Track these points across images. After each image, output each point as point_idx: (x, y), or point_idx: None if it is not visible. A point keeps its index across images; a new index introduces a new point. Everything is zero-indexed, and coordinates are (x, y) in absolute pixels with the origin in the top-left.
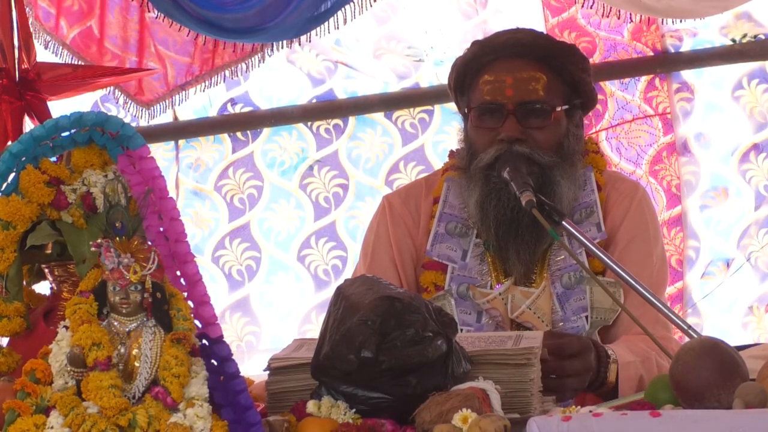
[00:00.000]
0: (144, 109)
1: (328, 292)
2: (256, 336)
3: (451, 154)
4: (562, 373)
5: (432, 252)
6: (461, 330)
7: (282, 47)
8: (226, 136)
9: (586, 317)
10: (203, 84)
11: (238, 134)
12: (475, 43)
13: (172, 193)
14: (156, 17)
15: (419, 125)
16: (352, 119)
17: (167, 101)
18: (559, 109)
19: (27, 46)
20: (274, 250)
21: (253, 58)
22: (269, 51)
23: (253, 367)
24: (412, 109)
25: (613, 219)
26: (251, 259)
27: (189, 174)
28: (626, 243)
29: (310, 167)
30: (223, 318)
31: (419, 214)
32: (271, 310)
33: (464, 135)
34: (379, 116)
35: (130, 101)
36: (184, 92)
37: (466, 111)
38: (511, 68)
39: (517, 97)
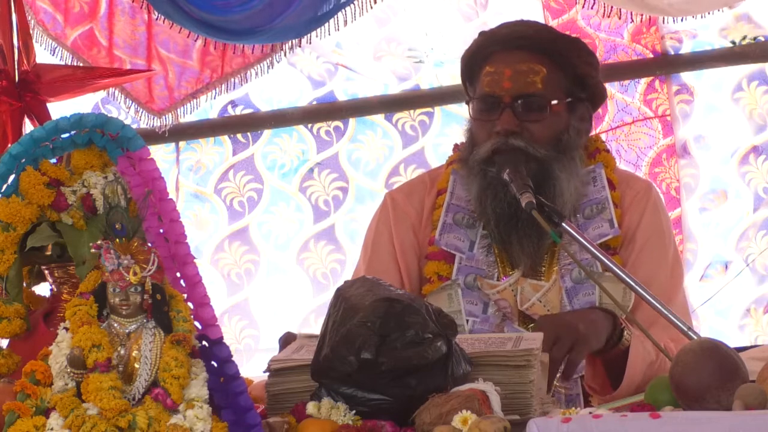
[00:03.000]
0: (155, 118)
1: (327, 296)
2: (255, 339)
3: (455, 147)
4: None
5: (440, 241)
6: (467, 321)
7: (287, 52)
8: (226, 138)
9: None
10: (213, 91)
11: (239, 136)
12: (481, 34)
13: (172, 195)
14: (156, 19)
15: (419, 127)
16: (352, 121)
17: (179, 110)
18: (556, 102)
19: (26, 47)
20: (273, 253)
21: (261, 64)
22: (277, 56)
23: (252, 369)
24: (412, 111)
25: (630, 221)
26: (250, 262)
27: (189, 176)
28: (642, 245)
29: (311, 169)
30: (222, 321)
31: (423, 209)
32: (269, 314)
33: (469, 126)
34: (379, 118)
35: (141, 109)
36: (195, 101)
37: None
38: (511, 60)
39: (514, 90)
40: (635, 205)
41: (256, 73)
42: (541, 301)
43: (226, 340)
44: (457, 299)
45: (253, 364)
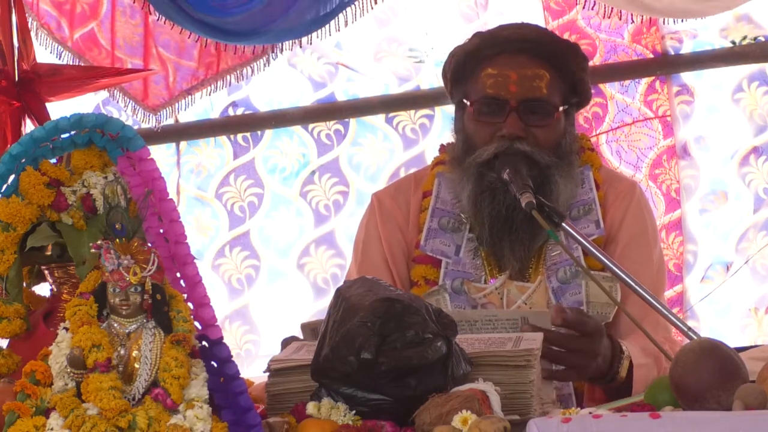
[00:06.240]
0: (151, 115)
1: (327, 301)
2: (255, 344)
3: (442, 148)
4: (569, 347)
5: (425, 247)
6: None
7: (284, 50)
8: (227, 140)
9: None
10: (209, 88)
11: (240, 139)
12: (478, 35)
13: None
14: (157, 20)
15: (420, 130)
16: (352, 123)
17: (174, 106)
18: (561, 109)
19: (26, 47)
20: (274, 258)
21: (258, 62)
22: (273, 55)
23: (252, 374)
24: (413, 114)
25: (612, 219)
26: (251, 267)
27: (190, 180)
28: (626, 244)
29: (312, 173)
30: (223, 326)
31: (409, 210)
32: (270, 319)
33: (458, 126)
34: (380, 121)
35: (137, 107)
36: (190, 97)
37: (463, 102)
38: (515, 64)
39: (521, 94)
40: (618, 204)
41: (253, 71)
42: (526, 303)
43: None
44: (444, 304)
45: (253, 370)
